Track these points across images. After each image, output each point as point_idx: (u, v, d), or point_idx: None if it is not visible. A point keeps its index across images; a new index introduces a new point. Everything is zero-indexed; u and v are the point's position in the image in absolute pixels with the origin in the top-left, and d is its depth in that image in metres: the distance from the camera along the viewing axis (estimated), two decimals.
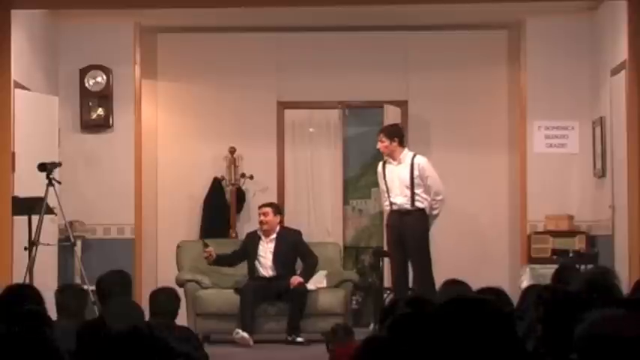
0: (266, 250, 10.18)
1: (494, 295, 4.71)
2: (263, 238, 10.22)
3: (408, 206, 9.56)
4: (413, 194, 9.56)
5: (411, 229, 9.54)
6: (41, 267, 8.77)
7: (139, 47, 11.02)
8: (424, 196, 9.59)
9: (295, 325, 9.83)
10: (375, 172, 10.08)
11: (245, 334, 9.66)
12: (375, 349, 3.18)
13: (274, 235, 10.22)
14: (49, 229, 9.34)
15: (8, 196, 8.98)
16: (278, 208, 10.43)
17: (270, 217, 10.24)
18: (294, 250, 10.21)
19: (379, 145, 9.74)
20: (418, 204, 9.57)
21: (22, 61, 9.62)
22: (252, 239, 10.28)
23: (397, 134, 9.77)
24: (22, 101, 9.48)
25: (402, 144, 9.74)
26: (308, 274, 10.08)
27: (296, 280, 9.95)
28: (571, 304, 3.64)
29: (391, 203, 9.64)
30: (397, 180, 9.62)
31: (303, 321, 9.88)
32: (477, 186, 11.28)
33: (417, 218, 9.58)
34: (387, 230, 9.79)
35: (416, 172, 9.59)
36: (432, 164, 9.74)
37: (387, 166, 9.72)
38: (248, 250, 10.22)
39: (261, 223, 10.25)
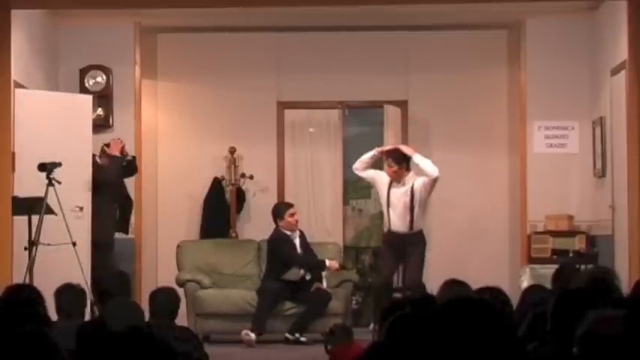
0: (298, 249, 10.19)
1: (493, 294, 4.71)
2: (294, 237, 10.18)
3: (406, 229, 9.72)
4: (412, 219, 9.71)
5: (411, 247, 9.70)
6: (41, 267, 8.77)
7: (139, 47, 11.01)
8: (422, 218, 9.82)
9: (304, 325, 9.83)
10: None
11: (253, 336, 9.66)
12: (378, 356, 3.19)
13: (298, 233, 10.25)
14: (79, 226, 9.40)
15: (8, 196, 8.98)
16: None
17: None
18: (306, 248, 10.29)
19: (387, 170, 9.84)
20: (416, 228, 9.76)
21: (22, 61, 9.63)
22: (285, 238, 10.16)
23: (404, 159, 9.86)
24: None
25: (408, 168, 9.87)
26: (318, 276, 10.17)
27: (334, 265, 10.05)
28: (580, 301, 3.66)
29: (390, 223, 9.79)
30: (399, 203, 9.76)
31: None
32: (477, 186, 11.28)
33: (418, 237, 9.77)
34: (385, 246, 9.90)
35: (416, 188, 9.70)
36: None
37: (392, 187, 9.83)
38: (290, 248, 10.16)
39: (297, 223, 10.22)
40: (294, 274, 10.02)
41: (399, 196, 9.73)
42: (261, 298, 9.90)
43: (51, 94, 10.07)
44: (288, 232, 10.16)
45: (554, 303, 3.72)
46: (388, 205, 9.77)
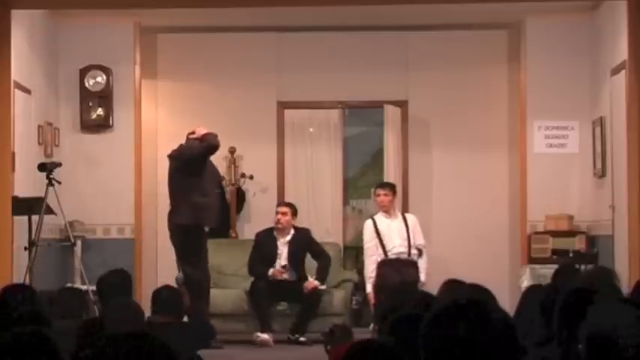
0: (283, 251, 10.12)
1: (481, 292, 4.70)
2: (279, 238, 10.16)
3: (405, 255, 9.91)
4: (410, 246, 9.94)
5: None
6: (41, 267, 8.78)
7: (139, 47, 11.01)
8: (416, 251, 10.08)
9: (303, 325, 9.82)
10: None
11: (266, 336, 9.65)
12: (363, 355, 3.19)
13: (290, 237, 10.17)
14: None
15: (8, 196, 8.97)
16: (295, 210, 10.33)
17: (288, 217, 10.18)
18: (306, 249, 10.19)
19: (383, 199, 10.08)
20: (413, 256, 9.96)
21: (22, 61, 9.62)
22: (267, 239, 10.17)
23: (396, 190, 10.24)
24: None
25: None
26: (324, 275, 10.07)
27: (311, 284, 9.92)
28: (586, 300, 3.66)
29: (386, 252, 9.89)
30: (395, 232, 9.98)
31: None
32: (476, 186, 11.28)
33: (415, 269, 9.91)
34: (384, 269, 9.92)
35: (411, 226, 10.00)
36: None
37: (379, 221, 10.01)
38: (263, 250, 10.14)
39: (278, 221, 10.16)
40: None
41: (394, 227, 9.98)
42: (252, 300, 9.89)
43: None
44: (275, 233, 10.16)
45: (562, 302, 3.72)
46: (380, 238, 9.92)
